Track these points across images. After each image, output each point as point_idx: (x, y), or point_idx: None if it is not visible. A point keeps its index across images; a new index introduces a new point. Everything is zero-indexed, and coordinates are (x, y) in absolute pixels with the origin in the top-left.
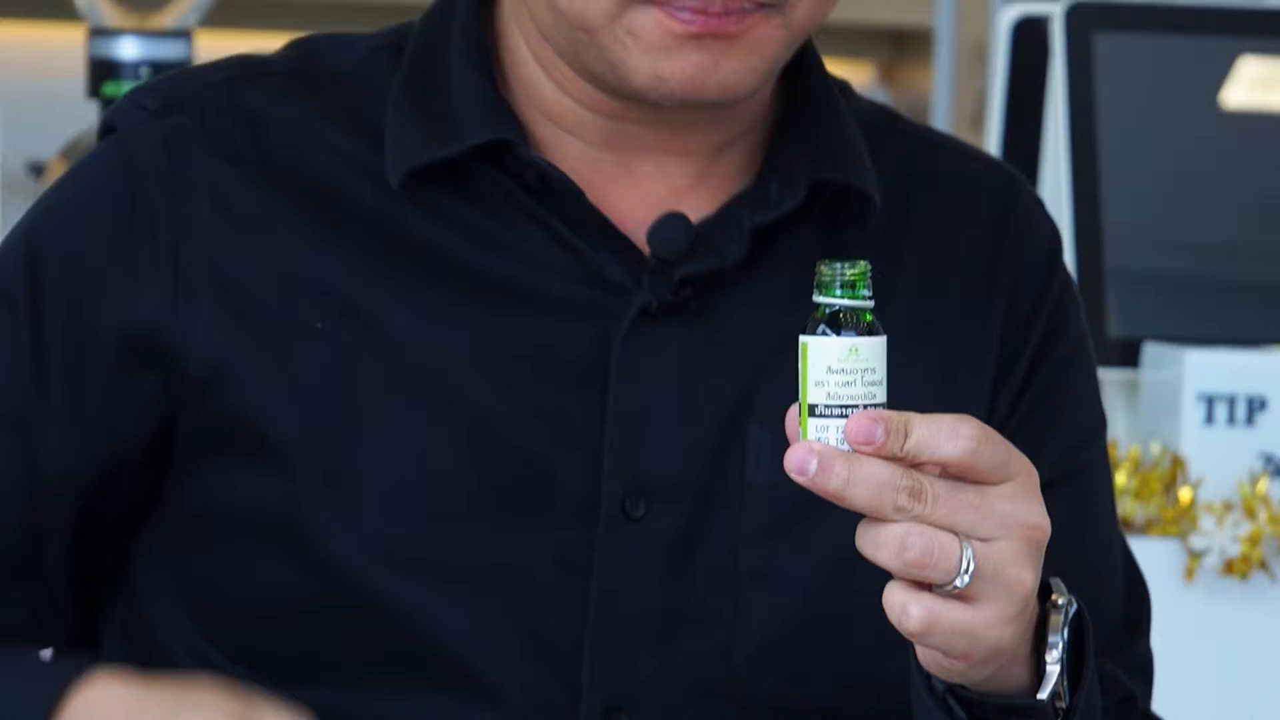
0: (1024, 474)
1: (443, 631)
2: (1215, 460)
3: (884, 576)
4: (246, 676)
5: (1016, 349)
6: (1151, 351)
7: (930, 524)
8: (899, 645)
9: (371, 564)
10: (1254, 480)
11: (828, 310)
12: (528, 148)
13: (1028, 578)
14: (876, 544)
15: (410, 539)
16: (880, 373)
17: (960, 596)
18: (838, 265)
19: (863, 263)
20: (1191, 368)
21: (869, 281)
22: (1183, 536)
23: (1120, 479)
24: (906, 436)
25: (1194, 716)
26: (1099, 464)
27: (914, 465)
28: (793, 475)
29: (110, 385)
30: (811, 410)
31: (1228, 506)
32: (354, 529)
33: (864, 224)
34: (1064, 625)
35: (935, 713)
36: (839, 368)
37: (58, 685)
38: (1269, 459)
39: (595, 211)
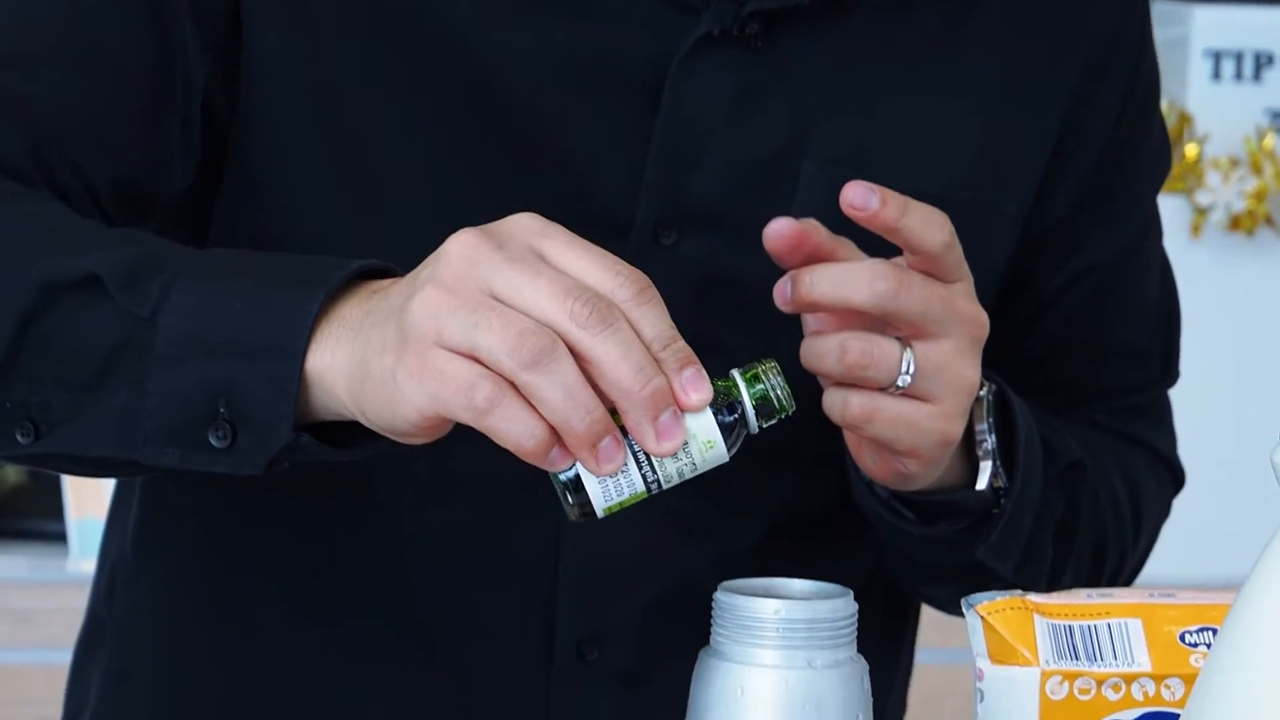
0: (969, 276)
1: None
2: (1222, 116)
3: None
4: None
5: (1093, 117)
6: (1159, 9)
7: (906, 310)
8: None
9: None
10: (1260, 136)
11: (734, 394)
12: None
13: (971, 373)
14: (820, 354)
15: (431, 225)
16: (688, 477)
17: (906, 395)
18: (781, 377)
19: (794, 404)
20: (1199, 24)
21: (774, 424)
22: (1189, 193)
23: None
24: (905, 213)
25: (1200, 370)
26: (1155, 236)
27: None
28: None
29: None
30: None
31: (1234, 162)
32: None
33: None
34: (987, 414)
35: (883, 517)
36: (689, 446)
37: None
38: (1276, 115)
39: None
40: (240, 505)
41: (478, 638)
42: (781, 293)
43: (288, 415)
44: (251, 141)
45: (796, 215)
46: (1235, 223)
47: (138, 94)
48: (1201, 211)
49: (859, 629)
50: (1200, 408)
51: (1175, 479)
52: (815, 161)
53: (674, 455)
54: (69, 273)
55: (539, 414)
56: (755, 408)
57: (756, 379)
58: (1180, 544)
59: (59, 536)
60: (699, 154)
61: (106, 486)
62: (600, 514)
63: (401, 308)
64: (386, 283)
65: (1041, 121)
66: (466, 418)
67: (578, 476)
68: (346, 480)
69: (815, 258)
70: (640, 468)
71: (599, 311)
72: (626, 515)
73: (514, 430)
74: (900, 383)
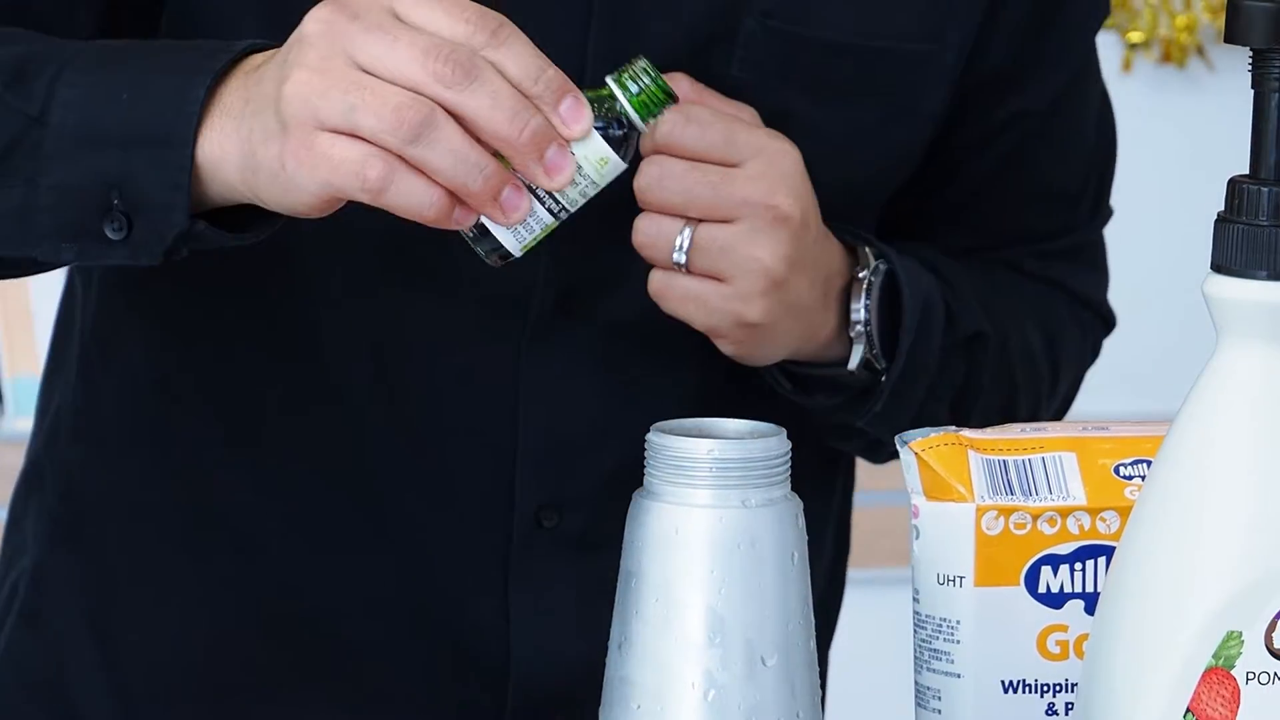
0: (770, 153)
1: None
2: None
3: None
4: None
5: None
6: None
7: (667, 201)
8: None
9: None
10: None
11: (612, 102)
12: None
13: (764, 255)
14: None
15: None
16: (593, 195)
17: (694, 272)
18: (654, 72)
19: (673, 94)
20: None
21: (660, 115)
22: (1120, 29)
23: None
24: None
25: (1132, 204)
26: (1092, 81)
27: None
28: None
29: None
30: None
31: None
32: None
33: None
34: (866, 295)
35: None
36: (583, 170)
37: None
38: None
39: None
40: (197, 353)
41: (436, 507)
42: None
43: (182, 204)
44: None
45: (737, 71)
46: (1167, 54)
47: None
48: (1133, 46)
49: (796, 476)
50: (1132, 242)
51: (1104, 322)
52: (755, 15)
53: (572, 182)
54: None
55: (434, 180)
56: (638, 110)
57: (632, 79)
58: (1113, 378)
59: None
60: (635, 17)
61: (41, 342)
62: (518, 254)
63: (276, 95)
64: (259, 59)
65: None
66: (363, 198)
67: (482, 224)
68: (306, 340)
69: None
70: (543, 203)
71: (460, 66)
72: (581, 386)
73: (412, 202)
74: (676, 259)
